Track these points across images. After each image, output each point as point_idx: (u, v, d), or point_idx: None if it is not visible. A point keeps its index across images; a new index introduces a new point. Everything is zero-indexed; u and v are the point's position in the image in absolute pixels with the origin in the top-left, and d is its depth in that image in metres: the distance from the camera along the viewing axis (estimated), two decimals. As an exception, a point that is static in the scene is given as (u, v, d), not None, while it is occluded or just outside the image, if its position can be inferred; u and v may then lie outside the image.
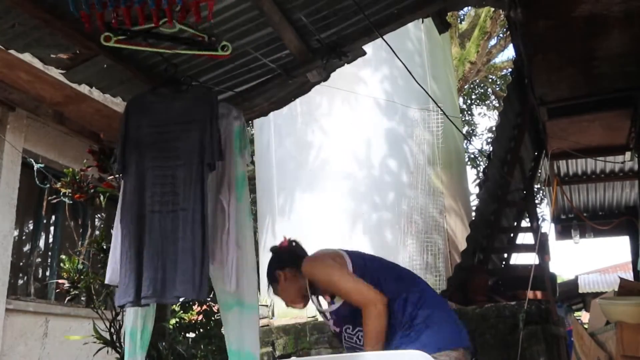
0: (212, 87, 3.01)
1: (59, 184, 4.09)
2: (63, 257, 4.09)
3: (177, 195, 2.57)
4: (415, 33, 6.82)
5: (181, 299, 2.78)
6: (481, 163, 12.72)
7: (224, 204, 2.75)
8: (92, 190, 3.91)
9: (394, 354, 1.65)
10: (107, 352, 3.76)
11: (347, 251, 2.42)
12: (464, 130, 12.83)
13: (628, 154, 5.49)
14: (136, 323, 2.85)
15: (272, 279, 2.53)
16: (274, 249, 2.60)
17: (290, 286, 2.47)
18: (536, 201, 10.13)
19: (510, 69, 10.24)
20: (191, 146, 2.61)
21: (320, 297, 2.47)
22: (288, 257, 2.52)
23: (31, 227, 6.27)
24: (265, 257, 7.12)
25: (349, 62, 3.04)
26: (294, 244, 2.59)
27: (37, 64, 4.64)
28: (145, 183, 2.61)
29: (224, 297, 2.82)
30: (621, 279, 3.75)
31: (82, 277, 3.87)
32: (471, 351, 2.25)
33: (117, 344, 3.57)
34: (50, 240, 6.47)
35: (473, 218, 6.29)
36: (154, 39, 2.54)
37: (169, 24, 2.38)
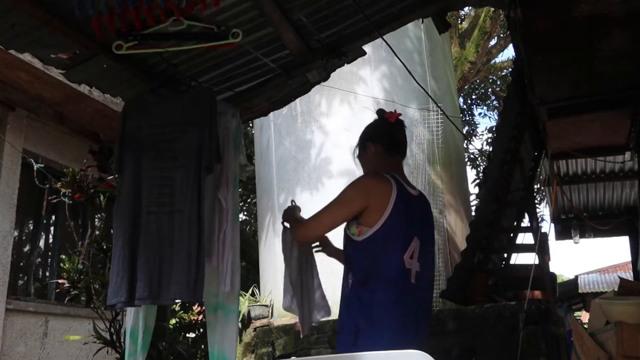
0: (212, 87, 3.00)
1: (59, 184, 4.09)
2: (63, 257, 4.09)
3: (174, 197, 2.54)
4: (415, 32, 6.82)
5: (177, 301, 2.75)
6: (481, 163, 12.71)
7: (222, 202, 2.72)
8: (92, 190, 3.92)
9: (394, 354, 1.63)
10: (107, 352, 3.77)
11: (402, 194, 2.24)
12: (464, 130, 12.83)
13: (628, 154, 5.48)
14: (137, 323, 2.83)
15: (361, 147, 2.45)
16: (379, 118, 2.45)
17: (374, 161, 2.41)
18: (536, 201, 10.14)
19: (510, 69, 10.25)
20: (189, 148, 2.59)
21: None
22: (384, 134, 2.42)
23: (31, 227, 6.27)
24: (266, 257, 7.13)
25: (349, 62, 3.04)
26: (397, 127, 2.43)
27: (37, 64, 4.64)
28: (142, 184, 2.59)
29: (209, 299, 2.79)
30: (621, 279, 3.75)
31: (82, 277, 3.88)
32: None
33: (117, 344, 3.58)
34: (50, 240, 6.47)
35: (473, 218, 6.29)
36: (163, 39, 2.54)
37: (177, 21, 2.39)
